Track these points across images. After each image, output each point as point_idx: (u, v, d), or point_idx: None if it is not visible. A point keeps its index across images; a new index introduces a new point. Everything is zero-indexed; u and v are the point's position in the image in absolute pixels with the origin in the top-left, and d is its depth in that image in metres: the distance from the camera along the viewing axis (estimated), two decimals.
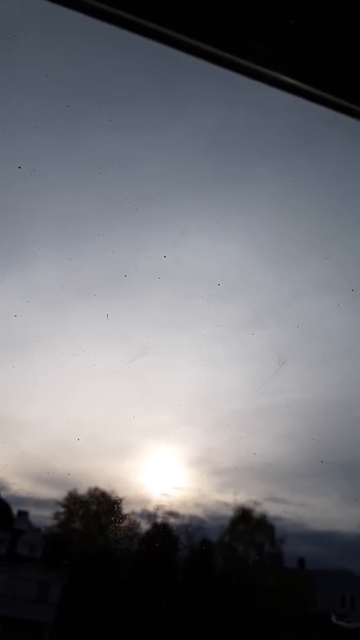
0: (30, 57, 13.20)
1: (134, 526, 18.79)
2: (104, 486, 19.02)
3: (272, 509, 21.85)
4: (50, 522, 19.81)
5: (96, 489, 19.24)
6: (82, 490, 19.31)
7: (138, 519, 18.69)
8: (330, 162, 15.80)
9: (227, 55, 1.65)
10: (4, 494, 19.49)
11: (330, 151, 15.55)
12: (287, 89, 1.68)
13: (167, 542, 18.82)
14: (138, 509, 18.76)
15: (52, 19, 10.69)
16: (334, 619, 18.85)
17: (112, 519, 19.09)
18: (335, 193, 16.63)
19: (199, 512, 19.62)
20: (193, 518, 19.33)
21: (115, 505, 18.99)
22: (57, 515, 19.61)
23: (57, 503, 19.45)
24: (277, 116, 14.96)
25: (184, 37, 1.67)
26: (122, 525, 18.93)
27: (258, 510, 21.53)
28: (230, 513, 21.16)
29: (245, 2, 1.52)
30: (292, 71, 1.63)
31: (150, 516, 18.52)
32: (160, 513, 18.54)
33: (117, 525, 19.07)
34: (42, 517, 20.15)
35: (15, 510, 20.65)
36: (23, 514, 20.68)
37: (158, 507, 18.48)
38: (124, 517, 18.91)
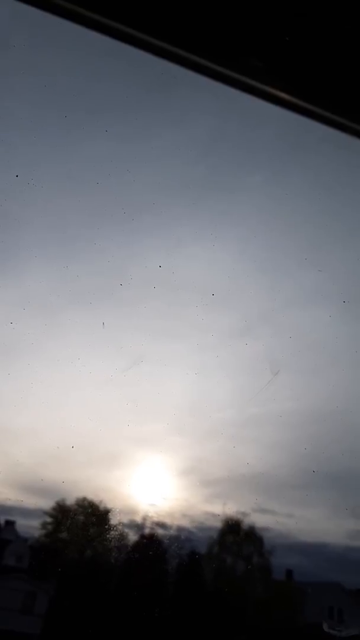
0: (29, 68, 13.32)
1: (121, 537, 18.65)
2: (92, 496, 18.91)
3: (260, 520, 21.81)
4: (38, 532, 19.66)
5: (84, 499, 19.09)
6: (71, 500, 19.19)
7: (126, 530, 18.55)
8: (321, 174, 16.02)
9: (222, 69, 1.68)
10: None
11: (321, 163, 15.78)
12: (281, 103, 1.72)
13: (155, 554, 18.67)
14: (126, 519, 18.64)
15: (51, 31, 10.80)
16: (325, 627, 18.81)
17: (100, 529, 18.93)
18: (326, 204, 16.84)
19: (186, 523, 19.53)
20: (181, 529, 19.23)
21: (103, 516, 18.85)
22: (44, 525, 19.45)
23: (45, 513, 19.30)
24: (268, 126, 15.18)
25: (180, 50, 1.70)
26: (110, 536, 18.78)
27: (246, 521, 21.49)
28: (218, 524, 21.09)
29: (242, 18, 1.56)
30: (286, 87, 1.67)
31: (138, 527, 18.40)
32: (148, 524, 18.43)
33: (104, 536, 18.91)
34: (29, 527, 19.99)
35: (2, 520, 20.48)
36: (10, 524, 20.45)
37: (145, 518, 18.37)
38: (111, 527, 18.77)
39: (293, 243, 17.94)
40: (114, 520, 18.68)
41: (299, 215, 17.44)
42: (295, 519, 21.82)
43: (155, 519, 18.58)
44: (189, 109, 15.95)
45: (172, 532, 18.98)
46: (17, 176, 13.79)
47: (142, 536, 18.40)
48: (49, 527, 19.40)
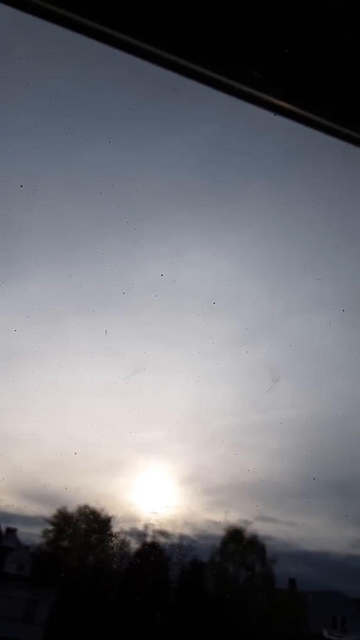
0: (33, 79, 13.46)
1: (123, 545, 18.56)
2: (94, 503, 18.85)
3: (262, 528, 21.70)
4: (39, 540, 19.57)
5: (86, 506, 19.03)
6: (72, 507, 19.13)
7: (128, 538, 18.47)
8: (321, 181, 16.10)
9: (223, 79, 1.73)
10: None
11: (321, 170, 15.87)
12: (281, 112, 1.76)
13: (157, 562, 18.58)
14: (127, 527, 18.57)
15: (54, 41, 10.93)
16: (325, 633, 18.66)
17: (102, 537, 18.85)
18: (326, 212, 16.91)
19: (188, 531, 19.44)
20: (183, 537, 19.14)
21: (105, 524, 18.78)
22: (46, 533, 19.36)
23: (47, 520, 19.22)
24: (268, 134, 15.29)
25: (182, 60, 1.75)
26: (112, 544, 18.70)
27: (249, 529, 21.39)
28: (220, 532, 20.98)
29: (242, 30, 1.60)
30: (286, 96, 1.71)
31: (140, 535, 18.32)
32: (149, 532, 18.35)
33: (106, 543, 18.83)
34: (31, 535, 19.91)
35: (3, 527, 20.40)
36: (11, 531, 20.36)
37: (147, 526, 18.29)
38: (113, 535, 18.69)
39: (293, 250, 18.01)
40: (115, 528, 18.62)
41: (299, 222, 17.52)
42: (296, 527, 21.73)
43: (157, 527, 18.51)
44: (190, 117, 16.09)
45: (174, 540, 18.90)
46: (21, 186, 13.92)
47: (144, 544, 18.33)
48: (51, 535, 19.34)
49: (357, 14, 1.61)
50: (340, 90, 1.75)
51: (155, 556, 18.49)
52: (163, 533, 18.65)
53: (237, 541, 21.29)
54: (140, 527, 18.38)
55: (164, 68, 1.84)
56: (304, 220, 17.35)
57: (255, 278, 18.33)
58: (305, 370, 18.56)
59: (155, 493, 18.85)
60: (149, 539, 18.41)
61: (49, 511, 19.32)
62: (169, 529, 18.78)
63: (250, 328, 18.99)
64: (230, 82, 1.67)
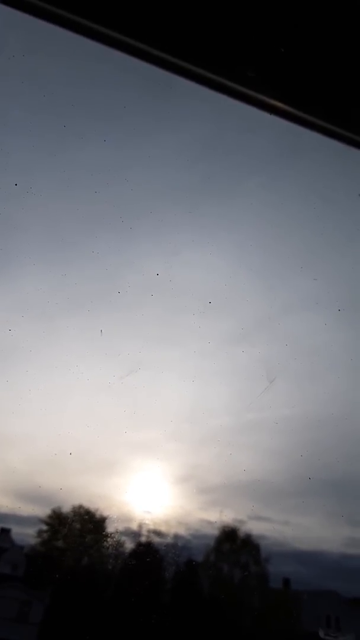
0: (29, 77, 13.41)
1: (118, 545, 18.53)
2: (88, 503, 18.80)
3: (257, 528, 21.73)
4: (33, 540, 19.51)
5: (80, 506, 18.99)
6: (67, 507, 19.08)
7: (122, 538, 18.44)
8: (317, 182, 16.12)
9: (218, 78, 1.72)
10: None
11: (317, 170, 15.89)
12: (276, 112, 1.75)
13: (152, 562, 18.57)
14: (122, 527, 18.53)
15: (49, 39, 10.88)
16: (321, 634, 18.72)
17: (96, 537, 18.82)
18: (322, 212, 16.93)
19: (182, 531, 19.44)
20: (177, 537, 19.13)
21: (100, 524, 18.74)
22: (40, 533, 19.30)
23: (41, 520, 19.17)
24: (264, 133, 15.29)
25: (177, 60, 1.74)
26: (106, 543, 18.66)
27: (243, 529, 21.42)
28: (214, 532, 21.00)
29: (238, 30, 1.59)
30: (281, 96, 1.71)
31: (134, 535, 18.29)
32: (144, 531, 18.32)
33: (101, 543, 18.80)
34: (25, 535, 19.84)
35: None
36: (5, 532, 20.30)
37: (142, 526, 18.26)
38: (108, 535, 18.65)
39: (289, 249, 18.02)
40: (110, 528, 18.59)
41: (295, 221, 17.54)
42: (291, 527, 21.77)
43: (152, 527, 18.49)
44: (185, 116, 16.07)
45: (169, 539, 18.88)
46: (16, 185, 13.85)
47: (139, 544, 18.31)
48: (45, 535, 19.29)
49: (353, 13, 1.61)
50: (335, 91, 1.75)
51: (150, 556, 18.48)
52: (157, 533, 18.64)
53: (231, 540, 21.33)
54: (134, 527, 18.37)
55: (159, 67, 1.83)
56: (300, 220, 17.38)
57: (251, 277, 18.34)
58: (301, 369, 18.58)
59: (150, 493, 18.83)
60: (143, 539, 18.39)
61: (43, 511, 19.28)
62: (163, 528, 18.77)
63: (246, 327, 19.02)
64: (226, 81, 1.67)
